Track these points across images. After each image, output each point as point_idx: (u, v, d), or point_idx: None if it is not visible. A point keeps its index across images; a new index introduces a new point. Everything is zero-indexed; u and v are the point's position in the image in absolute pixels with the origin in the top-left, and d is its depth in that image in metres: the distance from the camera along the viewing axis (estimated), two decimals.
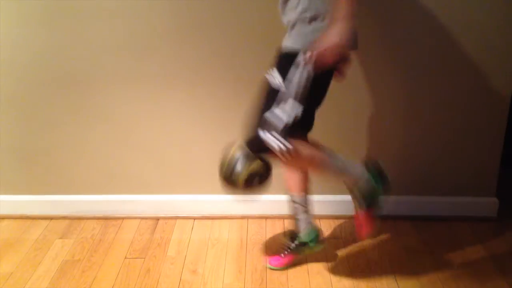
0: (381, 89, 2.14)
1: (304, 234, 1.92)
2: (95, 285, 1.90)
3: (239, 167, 1.61)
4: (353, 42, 1.58)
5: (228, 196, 2.33)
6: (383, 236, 2.18)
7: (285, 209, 2.26)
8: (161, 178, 2.30)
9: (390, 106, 2.17)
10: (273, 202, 2.29)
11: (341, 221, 2.30)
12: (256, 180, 1.64)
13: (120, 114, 2.19)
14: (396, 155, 2.25)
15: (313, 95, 1.57)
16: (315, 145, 1.69)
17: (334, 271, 1.96)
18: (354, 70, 2.11)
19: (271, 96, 1.57)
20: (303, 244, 1.94)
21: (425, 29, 2.03)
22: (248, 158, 1.62)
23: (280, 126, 1.54)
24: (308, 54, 1.47)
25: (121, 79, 2.14)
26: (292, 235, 1.96)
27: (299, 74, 1.52)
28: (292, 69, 1.52)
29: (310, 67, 1.50)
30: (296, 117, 1.54)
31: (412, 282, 1.89)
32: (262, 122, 1.56)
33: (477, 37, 2.04)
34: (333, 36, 1.41)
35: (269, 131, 1.55)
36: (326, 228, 2.24)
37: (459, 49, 2.07)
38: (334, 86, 2.13)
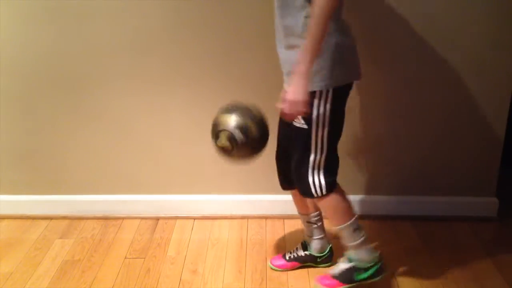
0: (381, 89, 2.14)
1: (316, 249, 1.95)
2: (95, 285, 1.90)
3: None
4: (356, 72, 1.60)
5: (228, 196, 2.33)
6: (383, 236, 2.18)
7: (285, 209, 2.26)
8: (161, 178, 2.30)
9: (390, 106, 2.17)
10: (273, 202, 2.29)
11: None
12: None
13: (120, 114, 2.19)
14: (396, 155, 2.25)
15: (336, 129, 1.64)
16: (346, 201, 1.74)
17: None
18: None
19: (299, 139, 1.61)
20: (312, 257, 1.95)
21: (425, 28, 2.03)
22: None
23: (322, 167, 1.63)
24: (278, 106, 1.52)
25: (122, 79, 2.14)
26: (305, 244, 1.97)
27: (320, 114, 1.55)
28: (312, 111, 1.54)
29: (329, 105, 1.54)
30: (325, 155, 1.62)
31: (412, 282, 1.89)
32: (301, 164, 1.63)
33: (477, 37, 2.04)
34: (291, 93, 1.46)
35: (309, 171, 1.63)
36: (326, 228, 2.24)
37: (459, 49, 2.06)
38: None
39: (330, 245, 1.97)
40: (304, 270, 1.96)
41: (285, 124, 1.67)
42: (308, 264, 1.97)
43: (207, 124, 2.21)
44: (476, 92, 2.13)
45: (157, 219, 2.34)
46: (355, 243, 1.71)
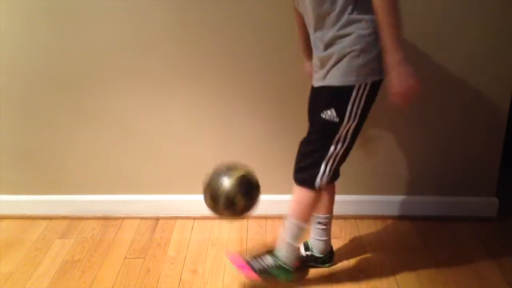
0: (380, 89, 2.14)
1: (319, 250, 1.94)
2: (95, 285, 1.90)
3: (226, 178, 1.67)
4: (380, 70, 1.56)
5: None
6: (383, 236, 2.18)
7: (285, 209, 2.25)
8: (161, 178, 2.30)
9: (389, 106, 2.17)
10: (273, 202, 2.29)
11: (341, 221, 2.30)
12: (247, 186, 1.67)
13: (120, 114, 2.19)
14: (395, 155, 2.25)
15: (363, 122, 1.64)
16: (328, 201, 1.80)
17: (334, 271, 1.96)
18: None
19: (326, 130, 1.60)
20: (314, 257, 1.95)
21: (425, 29, 2.03)
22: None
23: (335, 161, 1.64)
24: (397, 100, 1.52)
25: (122, 80, 2.14)
26: (307, 244, 1.97)
27: (354, 108, 1.56)
28: (347, 105, 1.55)
29: (364, 99, 1.55)
30: (344, 148, 1.63)
31: (412, 282, 1.89)
32: (317, 154, 1.63)
33: (477, 37, 2.04)
34: (401, 84, 1.46)
35: (323, 161, 1.63)
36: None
37: (459, 49, 2.06)
38: None
39: (332, 247, 1.97)
40: (304, 270, 1.96)
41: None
42: (309, 264, 1.97)
43: (207, 124, 2.21)
44: (476, 92, 2.13)
45: (157, 219, 2.34)
46: (292, 242, 1.73)
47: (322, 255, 1.95)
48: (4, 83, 2.16)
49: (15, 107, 2.20)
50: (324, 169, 1.64)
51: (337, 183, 2.30)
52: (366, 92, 1.54)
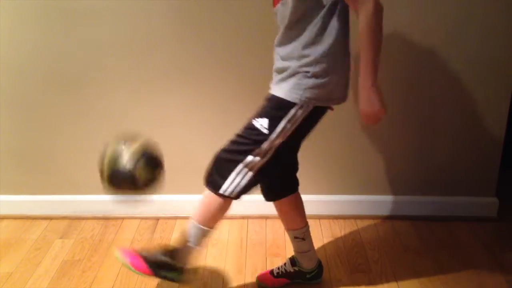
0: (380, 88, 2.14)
1: (306, 265, 1.85)
2: (95, 285, 1.90)
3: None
4: (344, 95, 1.57)
5: None
6: (383, 236, 2.18)
7: None
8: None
9: (390, 106, 2.17)
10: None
11: (341, 221, 2.30)
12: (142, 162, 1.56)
13: (120, 114, 2.19)
14: (395, 155, 2.25)
15: (293, 142, 1.60)
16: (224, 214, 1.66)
17: (334, 271, 1.96)
18: (353, 70, 2.10)
19: (252, 138, 1.54)
20: (301, 273, 1.86)
21: (425, 29, 2.03)
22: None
23: (254, 167, 1.56)
24: (364, 121, 1.51)
25: (121, 80, 2.14)
26: (293, 259, 1.88)
27: (287, 125, 1.51)
28: (281, 120, 1.50)
29: (300, 121, 1.51)
30: (264, 161, 1.56)
31: (412, 282, 1.89)
32: (233, 156, 1.57)
33: (477, 36, 2.04)
34: (367, 108, 1.47)
35: (238, 167, 1.56)
36: (326, 228, 2.24)
37: (459, 49, 2.07)
38: None
39: (319, 260, 1.88)
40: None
41: None
42: (298, 280, 1.87)
43: (208, 124, 2.21)
44: (476, 92, 2.13)
45: (157, 219, 2.34)
46: (191, 245, 1.63)
47: (309, 269, 1.85)
48: (4, 83, 2.16)
49: (15, 107, 2.20)
50: (233, 178, 1.56)
51: (337, 183, 2.31)
52: (305, 114, 1.50)
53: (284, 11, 1.48)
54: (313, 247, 1.85)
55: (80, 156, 2.27)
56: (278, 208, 1.79)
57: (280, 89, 1.51)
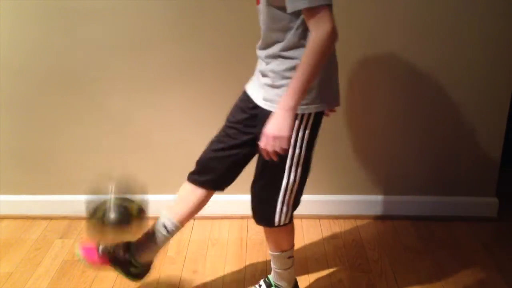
0: (380, 88, 2.14)
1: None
2: (95, 285, 1.90)
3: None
4: (334, 99, 1.50)
5: (228, 196, 2.33)
6: (383, 236, 2.18)
7: None
8: (161, 178, 2.30)
9: (389, 106, 2.17)
10: None
11: (341, 221, 2.30)
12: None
13: (120, 114, 2.19)
14: (395, 155, 2.25)
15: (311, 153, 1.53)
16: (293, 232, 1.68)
17: (334, 271, 1.96)
18: (353, 70, 2.11)
19: (273, 163, 1.45)
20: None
21: (425, 29, 2.03)
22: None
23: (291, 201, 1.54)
24: (261, 141, 1.40)
25: (122, 79, 2.14)
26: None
27: (298, 137, 1.46)
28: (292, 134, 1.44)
29: (308, 130, 1.46)
30: (298, 180, 1.51)
31: (412, 282, 1.89)
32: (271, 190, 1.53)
33: (477, 36, 2.05)
34: (274, 128, 1.36)
35: (280, 196, 1.52)
36: (326, 228, 2.24)
37: (459, 49, 2.07)
38: None
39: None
40: (305, 270, 1.96)
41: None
42: None
43: (208, 123, 2.21)
44: (476, 92, 2.13)
45: (157, 219, 2.33)
46: (281, 271, 1.69)
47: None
48: (4, 83, 2.16)
49: (15, 107, 2.20)
50: (281, 207, 1.54)
51: (337, 183, 2.31)
52: (310, 123, 1.44)
53: (265, 13, 1.43)
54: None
55: (80, 156, 2.27)
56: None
57: (274, 105, 1.43)
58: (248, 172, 2.26)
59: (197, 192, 1.74)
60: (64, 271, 1.98)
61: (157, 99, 2.17)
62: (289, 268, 1.70)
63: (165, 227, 1.74)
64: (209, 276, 1.95)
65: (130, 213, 1.56)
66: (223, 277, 1.94)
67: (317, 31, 1.28)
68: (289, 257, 1.68)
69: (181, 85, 2.15)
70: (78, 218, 2.35)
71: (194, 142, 2.24)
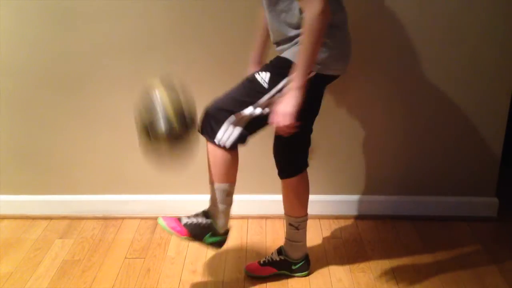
0: (381, 89, 2.14)
1: (292, 255, 1.89)
2: (95, 285, 1.90)
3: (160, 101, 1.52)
4: (340, 70, 1.62)
5: None
6: (383, 236, 2.18)
7: None
8: (161, 178, 2.30)
9: (390, 106, 2.17)
10: (273, 202, 2.29)
11: (341, 221, 2.30)
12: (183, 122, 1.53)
13: (120, 114, 2.19)
14: (396, 155, 2.25)
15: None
16: (235, 166, 1.69)
17: (334, 271, 1.96)
18: (353, 70, 2.11)
19: (250, 89, 1.60)
20: (287, 263, 1.89)
21: (425, 29, 2.03)
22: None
23: (245, 118, 1.59)
24: (270, 119, 1.53)
25: (122, 79, 2.14)
26: (280, 249, 1.92)
27: (286, 86, 1.54)
28: (283, 78, 1.55)
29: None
30: (258, 115, 1.59)
31: (412, 282, 1.89)
32: (230, 106, 1.59)
33: (477, 36, 2.05)
34: (282, 105, 1.50)
35: (232, 117, 1.59)
36: (326, 228, 2.25)
37: (459, 48, 2.07)
38: (333, 86, 2.13)
39: (307, 253, 1.91)
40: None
41: None
42: (283, 271, 1.90)
43: None
44: (476, 92, 2.13)
45: (157, 219, 2.33)
46: (220, 206, 1.69)
47: (295, 260, 1.89)
48: (4, 83, 2.16)
49: (15, 107, 2.20)
50: (226, 128, 1.60)
51: (337, 183, 2.31)
52: (310, 82, 1.53)
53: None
54: (305, 240, 1.89)
55: (80, 156, 2.27)
56: (283, 190, 1.83)
57: (288, 52, 1.56)
58: (249, 173, 2.27)
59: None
60: (64, 271, 1.98)
61: None
62: (224, 205, 1.70)
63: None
64: (209, 276, 1.95)
65: (182, 121, 1.54)
66: (223, 277, 1.94)
67: (308, 12, 1.40)
68: (227, 194, 1.69)
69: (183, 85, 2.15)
70: (78, 218, 2.35)
71: None
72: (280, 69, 1.56)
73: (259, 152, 2.24)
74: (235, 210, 2.33)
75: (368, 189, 2.31)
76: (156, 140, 1.54)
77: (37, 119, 2.22)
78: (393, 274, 1.94)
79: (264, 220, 2.31)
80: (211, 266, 2.00)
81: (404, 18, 2.03)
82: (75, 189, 2.34)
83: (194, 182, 2.30)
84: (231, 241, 2.16)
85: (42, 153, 2.27)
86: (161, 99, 1.52)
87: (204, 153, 2.25)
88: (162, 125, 1.51)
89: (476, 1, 1.99)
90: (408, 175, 2.28)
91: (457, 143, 2.22)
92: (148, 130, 1.54)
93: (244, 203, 2.32)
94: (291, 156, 1.77)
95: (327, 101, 2.12)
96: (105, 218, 2.34)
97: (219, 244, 1.75)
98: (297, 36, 1.53)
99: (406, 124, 2.19)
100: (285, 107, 1.49)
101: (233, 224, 2.28)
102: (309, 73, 1.48)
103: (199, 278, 1.94)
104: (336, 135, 2.21)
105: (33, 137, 2.25)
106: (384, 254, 2.06)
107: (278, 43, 1.63)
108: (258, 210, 2.34)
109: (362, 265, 1.99)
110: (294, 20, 1.52)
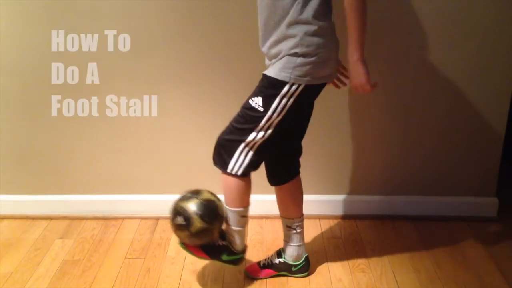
0: (381, 89, 2.14)
1: (291, 257, 1.90)
2: (95, 285, 1.90)
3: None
4: (329, 77, 1.66)
5: None
6: (383, 236, 2.18)
7: None
8: (161, 178, 2.30)
9: (390, 106, 2.17)
10: (273, 202, 2.28)
11: (341, 221, 2.30)
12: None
13: (120, 113, 2.19)
14: (396, 155, 2.25)
15: (290, 122, 1.65)
16: (248, 191, 1.76)
17: (334, 271, 1.96)
18: None
19: (248, 116, 1.64)
20: (287, 265, 1.90)
21: (425, 28, 2.03)
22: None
23: (253, 144, 1.65)
24: (355, 89, 1.62)
25: (122, 79, 2.14)
26: (280, 251, 1.93)
27: (282, 102, 1.59)
28: (275, 98, 1.59)
29: (293, 99, 1.59)
30: (264, 138, 1.64)
31: (412, 282, 1.89)
32: (236, 136, 1.66)
33: (477, 36, 2.05)
34: (355, 79, 1.59)
35: (241, 146, 1.65)
36: (326, 228, 2.24)
37: (459, 48, 2.07)
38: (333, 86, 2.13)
39: (307, 255, 1.91)
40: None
41: None
42: (283, 273, 1.91)
43: (207, 124, 2.21)
44: (476, 92, 2.13)
45: (157, 219, 2.34)
46: (235, 228, 1.74)
47: (295, 263, 1.89)
48: (4, 83, 2.16)
49: (15, 107, 2.20)
50: (237, 157, 1.66)
51: (337, 183, 2.30)
52: (297, 93, 1.58)
53: None
54: (303, 241, 1.90)
55: (80, 156, 2.27)
56: (277, 193, 1.87)
57: (272, 69, 1.59)
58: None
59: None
60: (64, 271, 1.98)
61: (158, 99, 2.17)
62: (240, 227, 1.76)
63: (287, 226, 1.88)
64: (209, 276, 1.95)
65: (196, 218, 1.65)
66: (223, 277, 1.94)
67: None
68: (242, 216, 1.75)
69: (181, 85, 2.15)
70: (78, 218, 2.35)
71: (195, 142, 2.24)
72: (269, 89, 1.60)
73: None
74: None
75: (368, 189, 2.31)
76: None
77: (37, 119, 2.21)
78: (393, 274, 1.94)
79: (264, 220, 2.31)
80: (211, 266, 2.00)
81: (404, 18, 2.03)
82: (75, 189, 2.34)
83: (194, 182, 2.30)
84: None
85: (42, 153, 2.27)
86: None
87: (206, 153, 2.26)
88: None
89: (477, 1, 1.99)
90: (408, 175, 2.28)
91: (457, 143, 2.22)
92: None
93: None
94: (283, 163, 1.82)
95: (327, 101, 2.12)
96: (105, 218, 2.34)
97: (237, 262, 1.80)
98: (277, 54, 1.58)
99: (407, 124, 2.19)
100: (359, 80, 1.57)
101: None
102: (363, 44, 1.55)
103: (199, 278, 1.93)
104: (336, 135, 2.21)
105: (33, 137, 2.25)
106: (384, 254, 2.06)
107: (266, 51, 1.65)
108: (258, 210, 2.33)
109: (362, 265, 1.99)
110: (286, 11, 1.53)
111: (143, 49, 2.09)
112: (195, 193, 1.70)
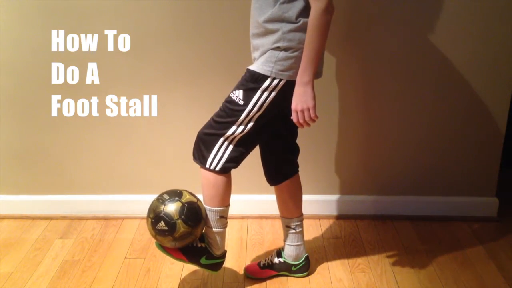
0: (380, 89, 2.14)
1: (291, 257, 1.90)
2: (95, 285, 1.90)
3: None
4: (318, 71, 1.61)
5: None
6: (383, 236, 2.18)
7: None
8: (161, 178, 2.30)
9: (390, 106, 2.17)
10: (273, 202, 2.28)
11: (341, 221, 2.30)
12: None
13: (120, 113, 2.19)
14: (396, 155, 2.25)
15: (271, 117, 1.64)
16: (228, 189, 1.72)
17: (334, 271, 1.96)
18: (353, 70, 2.11)
19: (229, 110, 1.63)
20: (287, 265, 1.90)
21: (425, 28, 2.03)
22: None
23: (233, 137, 1.63)
24: (293, 117, 1.57)
25: (121, 79, 2.14)
26: (279, 251, 1.93)
27: (263, 96, 1.58)
28: (256, 92, 1.58)
29: (274, 93, 1.57)
30: (244, 133, 1.62)
31: (412, 282, 1.89)
32: (216, 130, 1.64)
33: (477, 36, 2.05)
34: (299, 103, 1.54)
35: (220, 140, 1.64)
36: (326, 228, 2.24)
37: (459, 48, 2.07)
38: (333, 86, 2.14)
39: (307, 254, 1.91)
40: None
41: (279, 118, 1.68)
42: (283, 273, 1.91)
43: None
44: (476, 92, 2.13)
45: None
46: (214, 229, 1.71)
47: (295, 263, 1.89)
48: (4, 83, 2.16)
49: (15, 107, 2.20)
50: (216, 151, 1.64)
51: (337, 183, 2.31)
52: (278, 88, 1.56)
53: None
54: (303, 241, 1.90)
55: (81, 156, 2.27)
56: (276, 193, 1.86)
57: (255, 64, 1.59)
58: (249, 173, 2.27)
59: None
60: (64, 271, 1.98)
61: (158, 99, 2.17)
62: (218, 228, 1.72)
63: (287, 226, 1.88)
64: (209, 276, 1.95)
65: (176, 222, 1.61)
66: (223, 277, 1.94)
67: (314, 7, 1.44)
68: (221, 217, 1.72)
69: (181, 85, 2.15)
70: (78, 218, 2.35)
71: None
72: (250, 83, 1.59)
73: (259, 152, 2.24)
74: (235, 210, 2.33)
75: (368, 189, 2.31)
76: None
77: (37, 119, 2.21)
78: (393, 274, 1.94)
79: (264, 220, 2.31)
80: None
81: (403, 18, 2.03)
82: (75, 189, 2.34)
83: (194, 182, 2.30)
84: (231, 241, 2.16)
85: (42, 153, 2.27)
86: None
87: None
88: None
89: (476, 1, 1.99)
90: (408, 175, 2.28)
91: (457, 143, 2.22)
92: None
93: (244, 203, 2.32)
94: (279, 162, 1.81)
95: (327, 101, 2.12)
96: (105, 218, 2.34)
97: (215, 266, 1.75)
98: (259, 48, 1.58)
99: (406, 124, 2.19)
100: (304, 104, 1.53)
101: (233, 224, 2.29)
102: (317, 66, 1.51)
103: (199, 278, 1.93)
104: (336, 135, 2.21)
105: (33, 137, 2.25)
106: (384, 254, 2.06)
107: (252, 48, 1.65)
108: (258, 210, 2.34)
109: (362, 265, 1.99)
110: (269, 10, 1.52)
111: (143, 49, 2.09)
112: (177, 195, 1.65)
